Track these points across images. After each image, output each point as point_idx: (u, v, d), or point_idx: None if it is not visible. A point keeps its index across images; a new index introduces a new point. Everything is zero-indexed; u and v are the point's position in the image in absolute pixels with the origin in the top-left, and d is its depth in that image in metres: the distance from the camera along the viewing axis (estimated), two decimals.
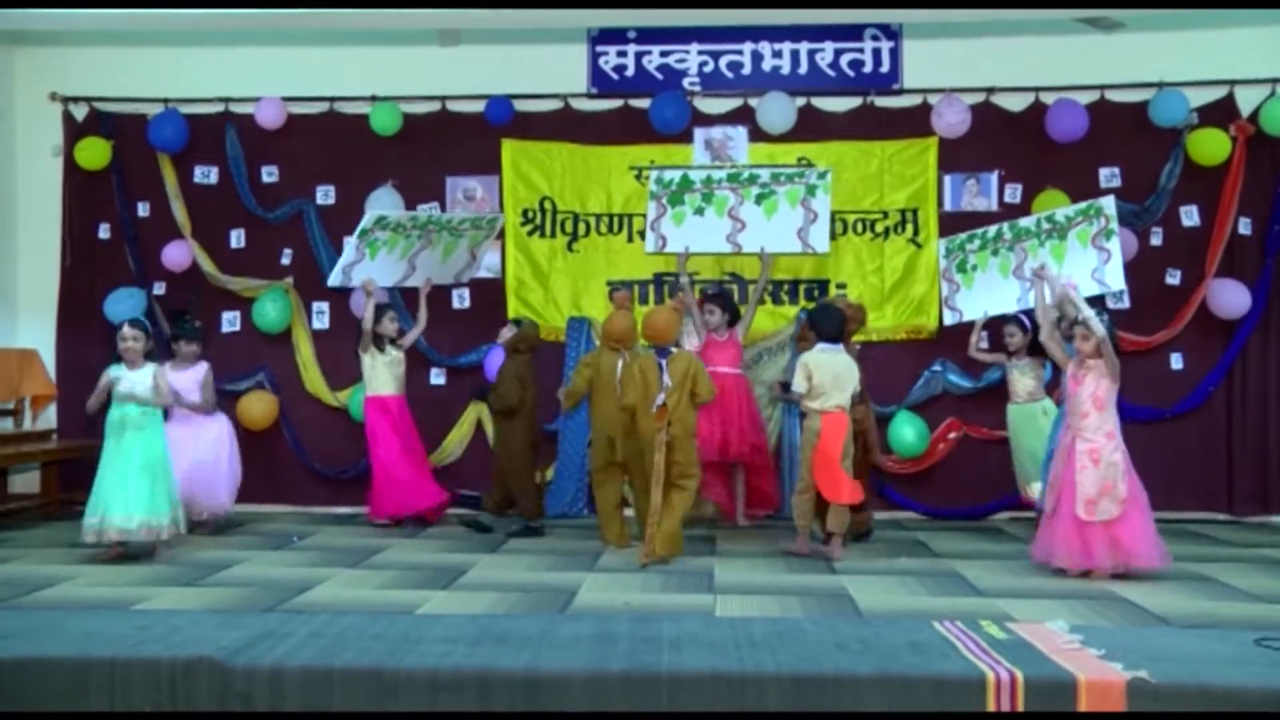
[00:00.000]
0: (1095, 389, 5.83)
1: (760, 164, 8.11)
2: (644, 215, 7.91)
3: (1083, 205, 7.40)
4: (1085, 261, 7.24)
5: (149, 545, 6.29)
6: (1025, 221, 7.53)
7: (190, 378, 7.22)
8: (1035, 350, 7.22)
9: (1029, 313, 7.33)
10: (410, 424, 7.68)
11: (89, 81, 8.58)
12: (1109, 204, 7.30)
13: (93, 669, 3.86)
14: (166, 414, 6.78)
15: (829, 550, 6.40)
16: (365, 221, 7.41)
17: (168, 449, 6.42)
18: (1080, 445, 5.82)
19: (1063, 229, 7.37)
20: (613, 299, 7.94)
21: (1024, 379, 7.35)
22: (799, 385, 6.43)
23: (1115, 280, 7.21)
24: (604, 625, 4.42)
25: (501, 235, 8.31)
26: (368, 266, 7.53)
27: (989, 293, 7.55)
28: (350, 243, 7.51)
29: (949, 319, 7.79)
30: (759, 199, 7.71)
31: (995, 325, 7.56)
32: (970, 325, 7.61)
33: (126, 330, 6.31)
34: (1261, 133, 7.93)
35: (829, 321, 6.53)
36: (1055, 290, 6.37)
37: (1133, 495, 5.79)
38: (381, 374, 7.56)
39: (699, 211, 7.74)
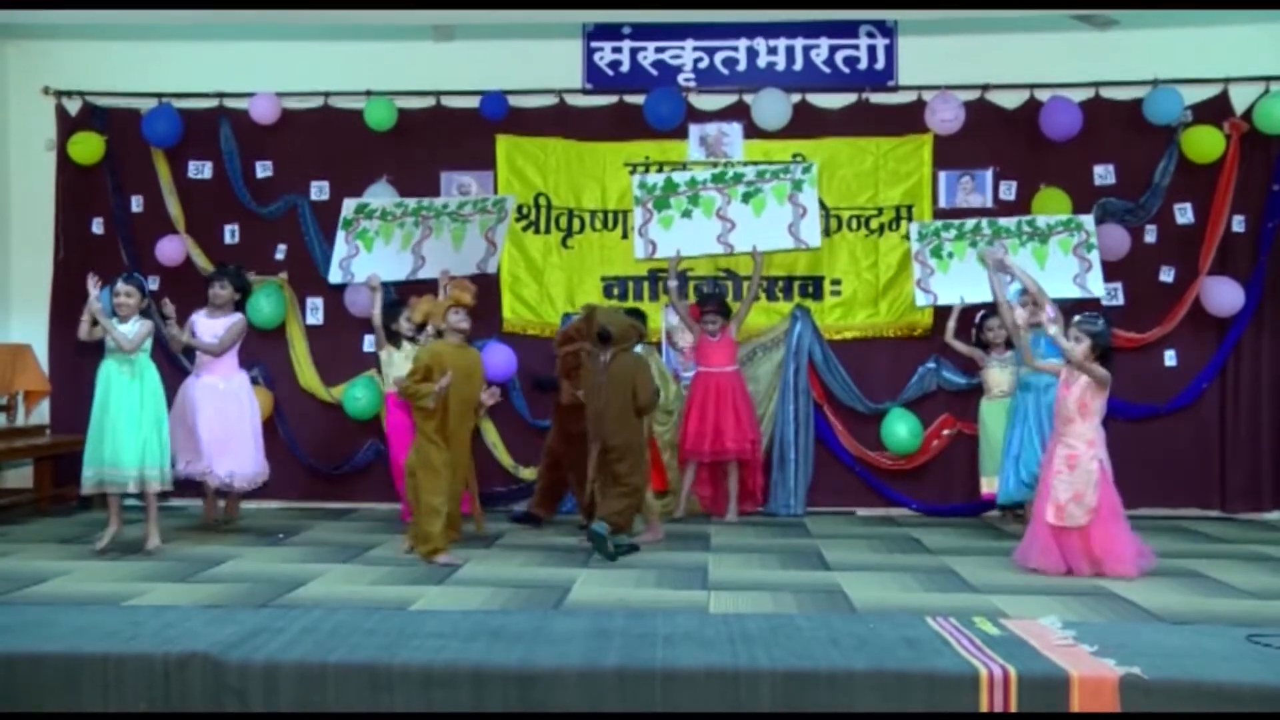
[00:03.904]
0: (1083, 395, 5.76)
1: (744, 162, 8.11)
2: None
3: (1063, 218, 7.58)
4: (1066, 267, 7.38)
5: (141, 493, 6.32)
6: (1005, 221, 7.61)
7: (221, 324, 7.04)
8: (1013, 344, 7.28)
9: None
10: None
11: (83, 76, 8.54)
12: (1089, 221, 7.53)
13: (86, 665, 3.86)
14: (189, 357, 6.82)
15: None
16: (346, 210, 7.35)
17: (159, 399, 6.43)
18: (1060, 450, 5.79)
19: (1044, 234, 7.51)
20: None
21: (1004, 374, 7.35)
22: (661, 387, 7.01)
23: (1097, 287, 7.38)
24: (598, 621, 4.42)
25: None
26: (367, 260, 7.47)
27: (966, 280, 7.57)
28: (339, 235, 7.46)
29: (922, 300, 7.79)
30: (745, 197, 7.72)
31: (968, 315, 7.58)
32: (947, 310, 7.64)
33: (120, 286, 6.48)
34: (1255, 130, 7.93)
35: (635, 333, 6.85)
36: (1016, 273, 6.66)
37: (1106, 506, 5.72)
38: (400, 369, 7.44)
39: (687, 214, 7.74)
